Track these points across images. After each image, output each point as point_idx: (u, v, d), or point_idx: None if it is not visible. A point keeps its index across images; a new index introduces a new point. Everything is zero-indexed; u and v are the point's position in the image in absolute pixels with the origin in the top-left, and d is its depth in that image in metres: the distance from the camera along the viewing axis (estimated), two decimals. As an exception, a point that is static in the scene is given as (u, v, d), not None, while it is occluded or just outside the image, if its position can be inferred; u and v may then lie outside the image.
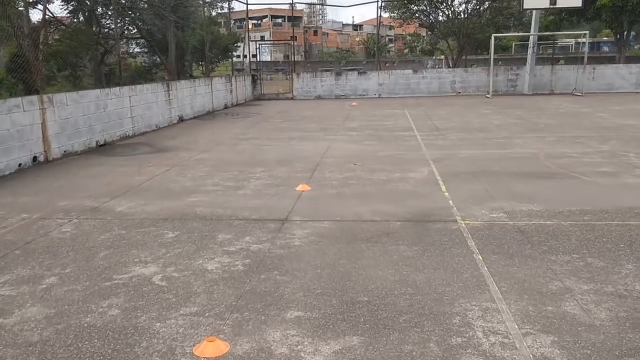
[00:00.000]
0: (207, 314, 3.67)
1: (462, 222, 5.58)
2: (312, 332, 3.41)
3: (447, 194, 6.81)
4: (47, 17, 29.06)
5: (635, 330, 3.32)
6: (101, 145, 11.13)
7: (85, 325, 3.56)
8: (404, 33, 58.40)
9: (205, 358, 3.13)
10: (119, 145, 11.57)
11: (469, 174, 7.91)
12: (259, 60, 27.03)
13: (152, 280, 4.28)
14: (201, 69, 35.72)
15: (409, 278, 4.21)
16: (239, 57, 42.29)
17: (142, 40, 34.05)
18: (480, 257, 4.60)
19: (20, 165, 8.67)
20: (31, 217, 6.13)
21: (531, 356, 3.07)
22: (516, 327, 3.40)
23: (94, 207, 6.49)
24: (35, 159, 9.06)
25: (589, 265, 4.37)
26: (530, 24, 22.71)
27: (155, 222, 5.83)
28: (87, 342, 3.33)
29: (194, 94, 16.71)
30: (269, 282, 4.20)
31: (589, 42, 60.71)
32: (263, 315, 3.64)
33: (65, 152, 9.86)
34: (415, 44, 66.87)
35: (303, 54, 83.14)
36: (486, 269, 4.35)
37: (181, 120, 15.61)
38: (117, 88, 11.97)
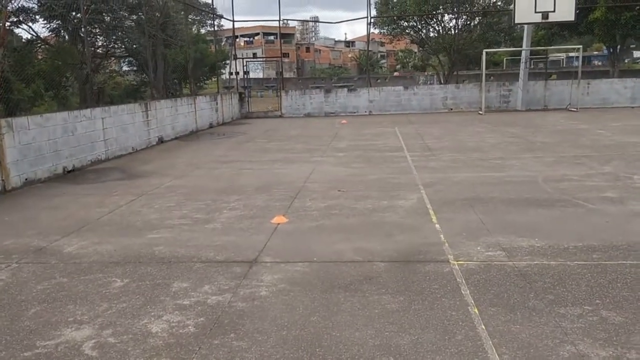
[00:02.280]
0: (137, 399, 2.94)
1: (455, 263, 4.87)
2: None
3: (437, 225, 6.11)
4: (30, 35, 28.39)
5: (674, 422, 2.62)
6: (69, 171, 10.39)
7: (-19, 418, 2.82)
8: (395, 49, 58.22)
9: None
10: (88, 170, 10.83)
11: (462, 201, 7.23)
12: (247, 77, 26.41)
13: (81, 348, 3.54)
14: (189, 87, 35.13)
15: (392, 341, 3.49)
16: (230, 74, 41.77)
17: (130, 58, 33.53)
18: (476, 310, 3.89)
19: (-28, 196, 7.93)
20: (-34, 260, 5.39)
21: None
22: (523, 417, 2.69)
23: (40, 247, 5.75)
24: (-10, 188, 8.32)
25: (604, 321, 3.67)
26: (522, 38, 22.24)
27: (104, 267, 5.09)
28: None
29: (175, 114, 16.02)
30: (221, 349, 3.47)
31: (584, 56, 60.78)
32: (207, 401, 2.91)
33: (26, 179, 9.12)
34: (407, 59, 66.78)
35: (295, 70, 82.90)
36: (483, 327, 3.64)
37: (161, 141, 14.90)
38: (88, 109, 11.26)
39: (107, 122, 11.87)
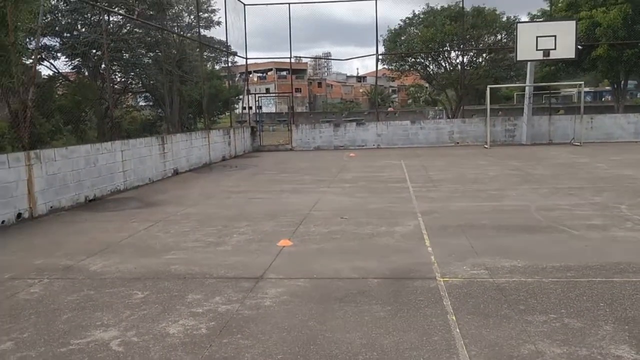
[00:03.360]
0: (158, 383, 3.50)
1: (441, 279, 5.41)
2: (265, 403, 3.22)
3: (430, 248, 6.65)
4: (52, 72, 29.51)
5: (606, 401, 3.12)
6: (90, 200, 11.08)
7: (29, 396, 3.39)
8: (405, 84, 59.31)
9: None
10: (108, 199, 11.52)
11: (456, 227, 7.77)
12: (259, 112, 27.33)
13: (109, 345, 4.11)
14: (201, 122, 36.17)
15: (377, 341, 4.03)
16: (243, 108, 42.86)
17: (147, 94, 34.66)
18: (454, 318, 4.41)
19: (3, 222, 8.60)
20: (2, 277, 6.00)
21: None
22: (480, 397, 3.21)
23: (67, 266, 6.37)
24: (19, 215, 8.99)
25: (565, 326, 4.18)
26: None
27: (126, 282, 5.69)
28: (25, 416, 3.15)
29: (189, 147, 16.79)
30: (229, 346, 4.02)
31: (592, 91, 61.38)
32: (216, 385, 3.46)
33: (51, 207, 9.81)
34: (418, 94, 67.74)
35: (307, 104, 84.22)
36: (458, 330, 4.17)
37: (176, 173, 15.63)
38: (109, 143, 12.02)
39: (126, 154, 12.61)
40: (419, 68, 31.15)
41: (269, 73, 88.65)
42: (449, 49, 29.52)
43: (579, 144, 21.55)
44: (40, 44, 26.05)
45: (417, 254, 6.43)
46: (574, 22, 20.61)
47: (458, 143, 23.86)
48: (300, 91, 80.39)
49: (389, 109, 61.11)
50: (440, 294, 4.98)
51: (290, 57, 25.34)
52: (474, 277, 5.45)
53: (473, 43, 28.85)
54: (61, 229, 8.62)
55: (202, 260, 6.45)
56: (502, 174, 13.57)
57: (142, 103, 39.11)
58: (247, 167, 17.79)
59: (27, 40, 20.78)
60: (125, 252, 6.95)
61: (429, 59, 30.22)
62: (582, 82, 23.75)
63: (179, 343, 4.11)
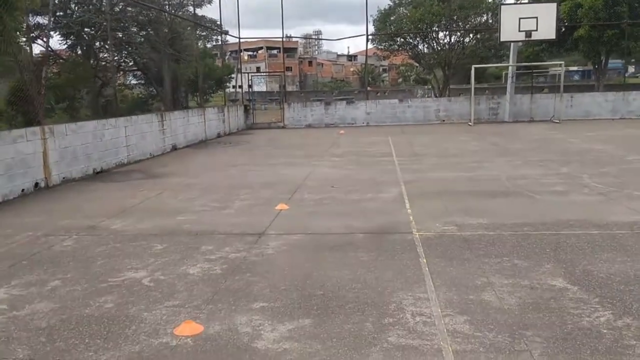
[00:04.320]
0: (186, 306, 4.41)
1: (417, 233, 6.34)
2: (273, 317, 4.14)
3: (409, 210, 7.58)
4: (41, 52, 30.00)
5: (534, 312, 4.07)
6: (97, 172, 11.90)
7: (85, 315, 4.29)
8: (397, 63, 59.98)
9: (182, 336, 3.86)
10: (114, 172, 12.35)
11: (434, 193, 8.71)
12: (251, 90, 28.02)
13: (141, 281, 5.02)
14: (196, 100, 36.76)
15: (361, 277, 4.96)
16: (233, 87, 43.40)
17: (139, 72, 35.07)
18: (425, 260, 5.35)
19: (23, 190, 9.42)
20: (35, 234, 6.87)
21: (445, 330, 3.82)
22: (439, 310, 4.15)
23: (91, 226, 7.24)
24: (36, 184, 9.81)
25: (514, 266, 5.13)
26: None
27: (146, 237, 6.58)
28: (86, 327, 4.06)
29: (187, 124, 17.57)
30: (241, 281, 4.94)
31: (580, 70, 62.21)
32: (233, 306, 4.37)
33: (64, 178, 10.63)
34: (408, 73, 68.31)
35: (298, 83, 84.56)
36: (427, 269, 5.10)
37: (174, 148, 16.43)
38: (113, 119, 12.81)
39: (129, 130, 13.41)
40: (408, 48, 31.89)
41: (259, 52, 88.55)
42: (437, 29, 30.25)
43: (558, 121, 22.52)
44: (33, 23, 26.49)
45: (397, 215, 7.35)
46: (554, 5, 21.40)
47: (444, 121, 24.76)
48: (291, 70, 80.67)
49: (368, 89, 61.75)
50: (414, 244, 5.92)
51: (283, 37, 26.01)
52: (445, 232, 6.39)
53: (460, 24, 29.61)
54: (77, 197, 9.46)
55: (210, 221, 7.34)
56: (481, 148, 14.52)
57: (133, 81, 39.47)
58: (241, 143, 18.61)
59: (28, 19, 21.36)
60: (140, 215, 7.83)
61: (418, 39, 30.97)
62: (563, 62, 24.66)
63: (199, 279, 5.03)
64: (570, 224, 6.53)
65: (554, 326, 3.84)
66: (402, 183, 9.73)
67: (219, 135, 21.08)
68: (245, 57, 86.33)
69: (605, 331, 3.74)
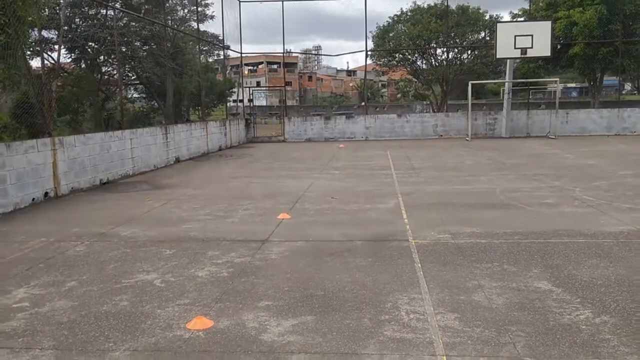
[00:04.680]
0: (197, 304, 4.73)
1: (413, 241, 6.68)
2: (277, 314, 4.47)
3: (406, 220, 7.92)
4: (50, 64, 30.43)
5: (520, 311, 4.40)
6: (104, 183, 12.25)
7: (102, 311, 4.61)
8: (396, 79, 60.64)
9: (194, 330, 4.18)
10: (120, 183, 12.69)
11: (430, 205, 9.05)
12: (252, 105, 28.47)
13: (153, 283, 5.34)
14: (198, 113, 37.23)
15: (359, 279, 5.29)
16: (234, 101, 43.91)
17: (140, 86, 35.50)
18: (419, 265, 5.68)
19: (33, 199, 9.76)
20: (48, 240, 7.20)
21: (436, 326, 4.14)
22: (432, 309, 4.48)
23: (101, 233, 7.57)
24: (46, 194, 10.15)
25: (503, 270, 5.46)
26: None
27: (154, 243, 6.91)
28: (104, 321, 4.38)
29: (189, 137, 17.95)
30: (247, 283, 5.26)
31: (578, 87, 62.83)
32: (240, 304, 4.70)
33: (72, 188, 10.96)
34: (407, 88, 68.90)
35: (298, 98, 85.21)
36: (421, 273, 5.43)
37: (177, 161, 16.79)
38: (119, 131, 13.18)
39: (134, 142, 13.77)
40: (406, 64, 32.41)
41: (259, 66, 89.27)
42: (434, 45, 30.77)
43: (554, 137, 22.93)
44: (39, 37, 26.94)
45: (395, 224, 7.69)
46: (549, 23, 21.92)
47: (442, 136, 25.17)
48: (291, 84, 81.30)
49: (362, 104, 62.06)
50: (410, 251, 6.25)
51: (284, 52, 26.49)
52: (439, 239, 6.73)
53: (457, 40, 30.14)
54: (86, 206, 9.80)
55: (215, 229, 7.67)
56: (477, 163, 14.88)
57: (135, 95, 39.88)
58: (243, 157, 18.97)
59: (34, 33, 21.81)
60: (148, 223, 8.16)
61: (416, 55, 31.50)
62: (558, 79, 25.15)
63: (207, 281, 5.35)
64: (559, 233, 6.87)
65: (537, 323, 4.16)
66: (399, 195, 10.07)
67: (220, 149, 21.46)
68: (246, 72, 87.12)
69: (584, 327, 4.07)
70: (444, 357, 3.65)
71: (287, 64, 68.31)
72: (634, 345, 3.77)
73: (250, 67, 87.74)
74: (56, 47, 31.03)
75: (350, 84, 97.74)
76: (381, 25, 31.61)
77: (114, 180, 12.76)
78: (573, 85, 65.13)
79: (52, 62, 29.58)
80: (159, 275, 5.56)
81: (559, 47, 27.67)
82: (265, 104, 67.63)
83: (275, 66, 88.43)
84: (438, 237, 6.87)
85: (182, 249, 6.58)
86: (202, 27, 33.50)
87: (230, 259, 6.09)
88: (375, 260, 5.91)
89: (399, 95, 74.86)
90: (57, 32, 29.53)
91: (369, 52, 28.66)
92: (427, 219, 7.97)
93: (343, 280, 5.28)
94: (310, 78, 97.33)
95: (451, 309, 4.47)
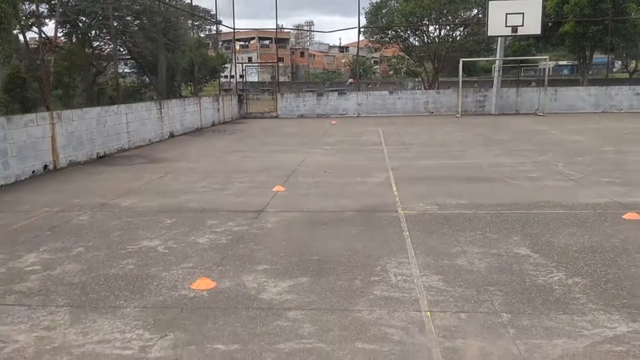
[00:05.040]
0: (199, 267, 5.06)
1: (402, 212, 7.02)
2: (275, 276, 4.81)
3: (396, 192, 8.26)
4: (44, 38, 30.27)
5: (499, 273, 4.77)
6: (101, 157, 12.48)
7: (111, 274, 4.93)
8: (388, 55, 60.58)
9: (198, 290, 4.51)
10: (116, 156, 12.93)
11: (419, 178, 9.39)
12: (245, 80, 28.57)
13: (156, 249, 5.66)
14: (189, 89, 37.23)
15: (351, 245, 5.63)
16: (226, 77, 43.87)
17: (132, 61, 35.35)
18: (407, 233, 6.04)
19: (33, 171, 10.00)
20: (52, 210, 7.48)
21: (422, 286, 4.50)
22: (418, 271, 4.84)
23: (102, 203, 7.86)
24: (45, 167, 10.39)
25: (486, 237, 5.82)
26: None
27: (155, 213, 7.21)
28: (113, 282, 4.70)
29: (183, 112, 18.14)
30: (246, 249, 5.60)
31: (569, 65, 63.03)
32: (240, 268, 5.03)
33: (70, 161, 11.20)
34: (400, 65, 68.86)
35: (290, 74, 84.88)
36: (409, 240, 5.79)
37: (172, 135, 17.01)
38: (115, 106, 13.37)
39: (130, 117, 13.97)
40: (399, 41, 32.51)
41: (251, 42, 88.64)
42: (427, 22, 30.88)
43: (542, 114, 23.29)
44: (29, 10, 26.76)
45: (385, 196, 8.03)
46: (540, 1, 22.08)
47: (432, 112, 25.46)
48: (283, 61, 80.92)
49: (350, 80, 61.97)
50: (399, 220, 6.60)
51: (276, 28, 26.51)
52: (427, 210, 7.08)
53: (450, 18, 30.24)
54: (85, 178, 10.06)
55: (212, 200, 7.98)
56: (466, 139, 15.22)
57: (126, 70, 39.72)
58: (236, 132, 19.20)
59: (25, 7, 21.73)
60: (147, 194, 8.45)
61: (409, 32, 31.60)
62: (547, 57, 25.41)
63: (207, 247, 5.68)
64: (539, 205, 7.24)
65: (514, 283, 4.53)
66: (390, 169, 10.40)
67: (213, 124, 21.65)
68: (238, 47, 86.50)
69: (556, 287, 4.44)
70: (428, 313, 4.01)
71: (279, 39, 67.91)
72: (601, 302, 4.14)
73: (241, 43, 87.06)
74: (46, 21, 30.82)
75: (343, 61, 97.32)
76: (374, 1, 31.61)
77: (111, 154, 13.00)
78: (564, 62, 65.41)
79: (44, 36, 29.44)
80: (162, 242, 5.88)
81: (549, 25, 27.88)
82: (257, 80, 67.44)
83: (267, 42, 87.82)
84: (426, 208, 7.22)
85: (182, 219, 6.89)
86: (194, 2, 33.39)
87: (229, 228, 6.41)
88: (366, 229, 6.25)
89: (391, 72, 74.84)
90: (47, 6, 29.34)
91: (362, 29, 28.74)
92: (415, 191, 8.31)
93: (336, 246, 5.63)
94: (302, 54, 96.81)
95: (436, 271, 4.83)
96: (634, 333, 3.64)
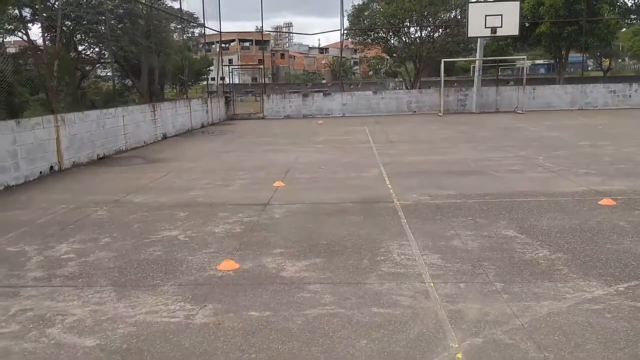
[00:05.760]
0: (220, 252, 5.59)
1: (397, 202, 7.62)
2: (290, 257, 5.36)
3: (390, 186, 8.86)
4: (26, 43, 30.33)
5: (490, 251, 5.37)
6: (101, 158, 12.90)
7: (141, 259, 5.44)
8: (367, 56, 61.41)
9: (224, 270, 5.04)
10: (115, 157, 13.35)
11: (409, 173, 10.00)
12: (231, 82, 28.99)
13: (177, 237, 6.18)
14: (174, 91, 37.52)
15: (355, 232, 6.20)
16: (213, 79, 44.21)
17: (115, 64, 35.51)
18: (405, 220, 6.63)
19: (40, 172, 10.41)
20: (69, 206, 7.93)
21: (423, 263, 5.09)
22: (418, 252, 5.42)
23: (115, 200, 8.33)
24: (51, 167, 10.80)
25: (476, 222, 6.44)
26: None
27: (167, 207, 7.71)
28: (146, 266, 5.21)
29: (175, 114, 18.57)
30: (259, 236, 6.14)
31: (546, 64, 64.33)
32: (258, 252, 5.57)
33: (73, 162, 11.62)
34: (379, 66, 69.66)
35: (270, 76, 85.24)
36: (407, 226, 6.38)
37: (164, 137, 17.43)
38: (113, 109, 13.79)
39: (126, 119, 14.39)
40: (381, 42, 33.22)
41: (231, 44, 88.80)
42: (408, 24, 31.62)
43: (521, 112, 24.13)
44: (12, 15, 26.85)
45: (379, 189, 8.63)
46: (517, 3, 22.91)
47: (415, 112, 26.17)
48: (264, 62, 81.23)
49: (323, 81, 62.82)
50: (396, 209, 7.19)
51: (262, 31, 27.04)
52: (420, 200, 7.68)
53: (430, 19, 31.02)
54: (91, 178, 10.50)
55: (218, 195, 8.50)
56: (450, 136, 15.91)
57: (109, 73, 39.81)
58: (226, 133, 19.67)
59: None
60: (155, 192, 8.93)
61: (390, 33, 32.32)
62: (525, 57, 26.30)
63: (224, 235, 6.21)
64: (523, 194, 7.89)
65: (505, 259, 5.14)
66: (380, 165, 11.01)
67: (203, 125, 22.08)
68: (218, 49, 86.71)
69: (542, 261, 5.06)
70: (432, 284, 4.59)
71: (259, 41, 68.36)
72: (580, 272, 4.76)
73: (222, 45, 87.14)
74: (29, 25, 30.88)
75: (323, 62, 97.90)
76: (356, 4, 32.31)
77: (110, 155, 13.42)
78: (541, 61, 66.84)
79: (25, 40, 29.46)
80: (181, 232, 6.39)
81: (527, 25, 28.79)
82: (237, 82, 67.65)
83: (247, 43, 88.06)
84: (419, 198, 7.82)
85: (194, 212, 7.40)
86: (176, 5, 33.64)
87: (239, 219, 6.94)
88: (366, 218, 6.83)
89: (370, 73, 75.63)
90: (59, 12, 29.41)
91: (345, 31, 29.38)
92: (407, 184, 8.92)
93: (341, 232, 6.19)
94: (282, 56, 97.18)
95: (434, 251, 5.43)
96: (608, 295, 4.26)
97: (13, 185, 9.49)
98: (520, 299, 4.23)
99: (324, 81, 61.00)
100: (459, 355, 3.39)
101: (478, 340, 3.59)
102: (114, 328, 3.90)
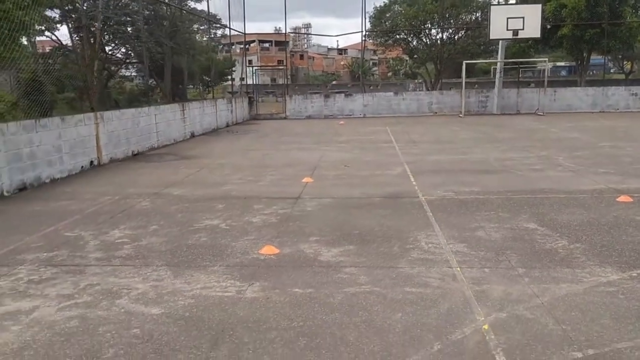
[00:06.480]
0: (261, 239, 6.05)
1: (422, 197, 8.03)
2: (326, 244, 5.81)
3: (414, 182, 9.27)
4: (55, 44, 31.20)
5: (512, 241, 5.77)
6: (135, 154, 13.48)
7: (189, 244, 5.92)
8: (387, 57, 61.65)
9: (266, 254, 5.50)
10: (148, 154, 13.93)
11: (432, 171, 10.40)
12: (254, 83, 29.56)
13: (219, 226, 6.66)
14: (196, 92, 38.25)
15: (384, 223, 6.63)
16: (233, 79, 44.92)
17: (139, 65, 36.33)
18: (431, 214, 7.04)
19: (82, 167, 10.99)
20: (113, 198, 8.47)
21: (450, 251, 5.50)
22: (444, 241, 5.84)
23: (155, 192, 8.85)
24: (91, 162, 11.39)
25: (499, 216, 6.83)
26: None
27: (205, 200, 8.21)
28: (194, 250, 5.70)
29: (202, 113, 19.14)
30: (294, 226, 6.59)
31: (567, 66, 64.12)
32: (295, 239, 6.03)
33: (111, 158, 12.20)
34: (399, 67, 69.92)
35: (290, 77, 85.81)
36: (433, 219, 6.79)
37: (192, 135, 18.01)
38: (146, 107, 14.38)
39: (158, 117, 14.97)
40: (402, 43, 33.58)
41: (251, 45, 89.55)
42: (429, 26, 31.95)
43: (542, 113, 24.32)
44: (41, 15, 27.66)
45: (405, 186, 9.04)
46: (539, 6, 23.15)
47: (436, 113, 26.49)
48: (284, 63, 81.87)
49: (333, 82, 63.15)
50: (422, 204, 7.61)
51: (285, 32, 27.58)
52: (445, 196, 8.08)
53: (452, 21, 31.33)
54: (129, 172, 11.06)
55: (251, 190, 8.98)
56: (471, 136, 16.24)
57: (134, 73, 40.68)
58: (250, 132, 20.21)
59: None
60: (191, 186, 9.44)
61: (412, 35, 32.66)
62: (547, 59, 26.48)
63: (262, 225, 6.68)
64: (544, 191, 8.25)
65: (526, 248, 5.53)
66: (404, 163, 11.41)
67: (227, 125, 22.64)
68: (238, 50, 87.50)
69: (561, 251, 5.44)
70: (458, 268, 5.01)
71: (278, 42, 68.94)
72: (597, 260, 5.14)
73: (241, 46, 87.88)
74: (57, 25, 31.77)
75: (342, 63, 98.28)
76: (378, 6, 32.71)
77: (143, 152, 13.99)
78: (562, 63, 66.62)
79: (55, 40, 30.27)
80: (222, 221, 6.88)
81: (548, 27, 28.92)
82: (257, 83, 68.22)
83: (267, 44, 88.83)
84: (443, 194, 8.22)
85: (230, 204, 7.88)
86: (199, 7, 34.30)
87: (274, 210, 7.41)
88: (393, 211, 7.25)
89: (389, 74, 75.84)
90: (99, 15, 30.24)
91: (366, 33, 29.80)
92: (431, 181, 9.32)
93: (371, 224, 6.63)
94: (301, 57, 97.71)
95: (460, 240, 5.84)
96: (622, 280, 4.64)
97: (58, 178, 10.08)
98: (540, 282, 4.62)
99: (334, 82, 61.51)
100: (485, 326, 3.81)
101: (502, 314, 4.00)
102: (175, 300, 4.38)
